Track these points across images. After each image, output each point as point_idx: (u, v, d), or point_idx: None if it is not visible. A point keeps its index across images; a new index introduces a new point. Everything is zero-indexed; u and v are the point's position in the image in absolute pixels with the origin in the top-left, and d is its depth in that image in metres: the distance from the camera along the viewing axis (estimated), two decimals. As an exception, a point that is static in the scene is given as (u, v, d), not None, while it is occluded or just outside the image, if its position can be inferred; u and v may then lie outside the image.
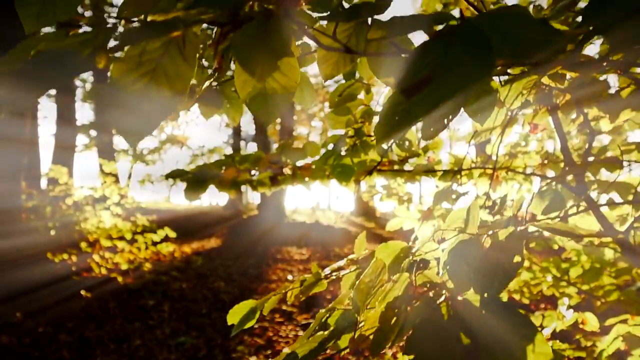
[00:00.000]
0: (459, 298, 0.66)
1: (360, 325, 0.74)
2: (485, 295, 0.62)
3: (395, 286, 0.72)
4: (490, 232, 0.75)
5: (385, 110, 0.76)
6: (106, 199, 6.04)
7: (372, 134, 1.56)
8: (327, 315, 0.89)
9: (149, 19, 0.47)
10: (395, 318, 0.66)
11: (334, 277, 1.25)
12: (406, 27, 0.47)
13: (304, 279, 1.37)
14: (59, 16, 0.70)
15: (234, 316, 1.34)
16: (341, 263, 1.38)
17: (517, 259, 0.69)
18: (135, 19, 0.41)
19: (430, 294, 0.69)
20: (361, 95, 1.43)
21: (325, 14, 0.51)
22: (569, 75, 1.03)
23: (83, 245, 5.58)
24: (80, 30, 0.50)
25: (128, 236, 5.90)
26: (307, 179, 2.12)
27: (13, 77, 0.43)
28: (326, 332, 0.79)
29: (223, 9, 0.44)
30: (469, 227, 0.73)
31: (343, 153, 1.60)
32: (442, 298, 0.68)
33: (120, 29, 0.43)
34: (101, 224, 5.61)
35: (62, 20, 0.71)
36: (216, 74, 0.55)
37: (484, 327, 0.58)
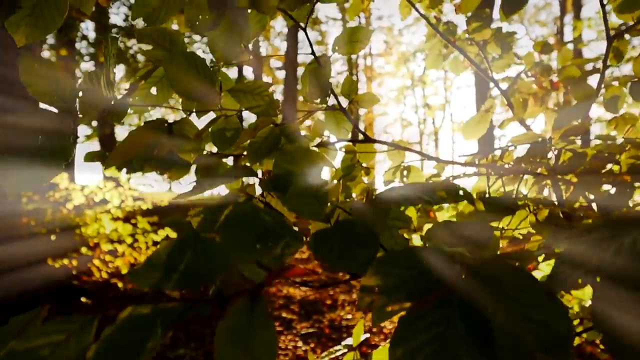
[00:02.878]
0: None
1: None
2: None
3: None
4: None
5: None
6: (107, 202, 6.05)
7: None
8: None
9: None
10: None
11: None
12: (399, 294, 0.45)
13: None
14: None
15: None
16: (338, 350, 1.36)
17: None
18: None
19: None
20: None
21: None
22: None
23: (83, 249, 5.59)
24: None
25: (128, 240, 5.91)
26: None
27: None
28: None
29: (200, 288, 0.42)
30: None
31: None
32: None
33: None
34: (102, 229, 5.61)
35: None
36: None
37: None
